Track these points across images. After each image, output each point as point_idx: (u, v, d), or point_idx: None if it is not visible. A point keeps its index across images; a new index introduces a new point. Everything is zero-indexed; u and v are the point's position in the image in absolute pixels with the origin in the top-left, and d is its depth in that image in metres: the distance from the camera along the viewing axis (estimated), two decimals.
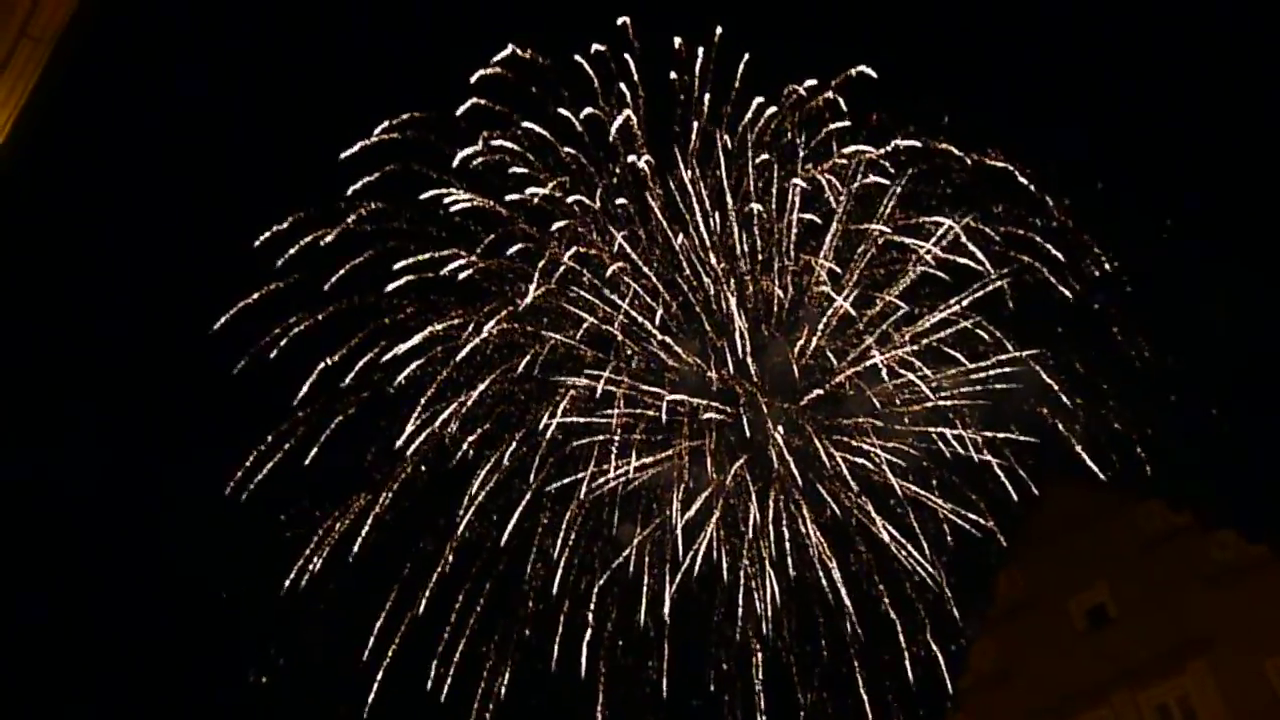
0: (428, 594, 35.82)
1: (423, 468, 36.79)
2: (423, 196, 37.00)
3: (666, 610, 36.97)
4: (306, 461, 35.86)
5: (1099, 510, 27.79)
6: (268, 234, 35.47)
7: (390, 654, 35.78)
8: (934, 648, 34.56)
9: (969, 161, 38.05)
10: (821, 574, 37.27)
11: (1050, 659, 26.41)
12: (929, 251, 38.14)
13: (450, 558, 36.20)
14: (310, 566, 35.59)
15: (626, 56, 38.51)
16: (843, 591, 36.65)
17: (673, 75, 39.32)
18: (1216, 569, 25.42)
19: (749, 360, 39.86)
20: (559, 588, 36.33)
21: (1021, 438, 36.32)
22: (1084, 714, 25.48)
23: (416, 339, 36.25)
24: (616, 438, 38.48)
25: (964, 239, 37.75)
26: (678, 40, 39.33)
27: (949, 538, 36.31)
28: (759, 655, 36.91)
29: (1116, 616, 26.30)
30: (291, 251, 35.80)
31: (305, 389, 35.88)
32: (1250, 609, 24.52)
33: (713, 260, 39.62)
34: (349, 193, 36.23)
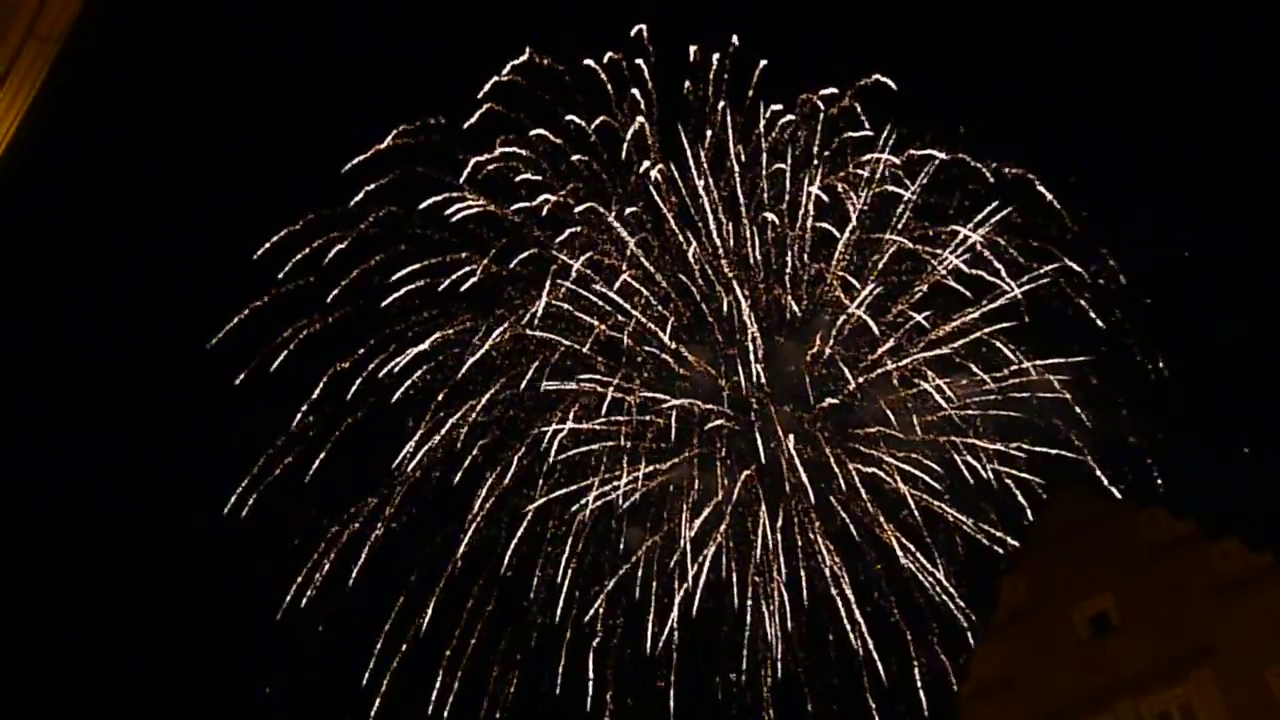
0: (433, 604, 35.86)
1: (435, 473, 36.96)
2: (435, 200, 37.39)
3: (674, 618, 37.00)
4: (309, 475, 36.02)
5: (1102, 518, 27.87)
6: (277, 238, 35.85)
7: (394, 667, 35.83)
8: (943, 657, 34.56)
9: (986, 172, 38.12)
10: (831, 584, 37.29)
11: (1053, 666, 26.42)
12: (945, 261, 38.20)
13: (458, 563, 36.33)
14: (316, 575, 35.71)
15: (641, 63, 38.74)
16: (853, 601, 36.66)
17: (687, 83, 39.51)
18: (1219, 578, 25.41)
19: (761, 369, 39.95)
20: (565, 598, 36.39)
21: (1035, 448, 36.35)
22: None
23: (425, 345, 36.52)
24: (625, 445, 38.63)
25: (980, 248, 37.81)
26: (693, 48, 39.54)
27: (960, 547, 36.31)
28: (768, 665, 36.91)
29: (1119, 624, 26.31)
30: (300, 255, 36.18)
31: (314, 395, 36.14)
32: (1253, 618, 24.51)
33: (726, 268, 39.75)
34: (360, 195, 36.61)
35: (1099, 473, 34.38)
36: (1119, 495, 29.30)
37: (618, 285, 38.11)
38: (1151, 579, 26.17)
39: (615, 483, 37.84)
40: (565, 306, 37.85)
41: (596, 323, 38.19)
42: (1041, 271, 37.18)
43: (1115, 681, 25.35)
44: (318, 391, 35.88)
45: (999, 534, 35.61)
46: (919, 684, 35.08)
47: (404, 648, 35.62)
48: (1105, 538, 27.38)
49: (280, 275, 35.98)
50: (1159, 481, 32.77)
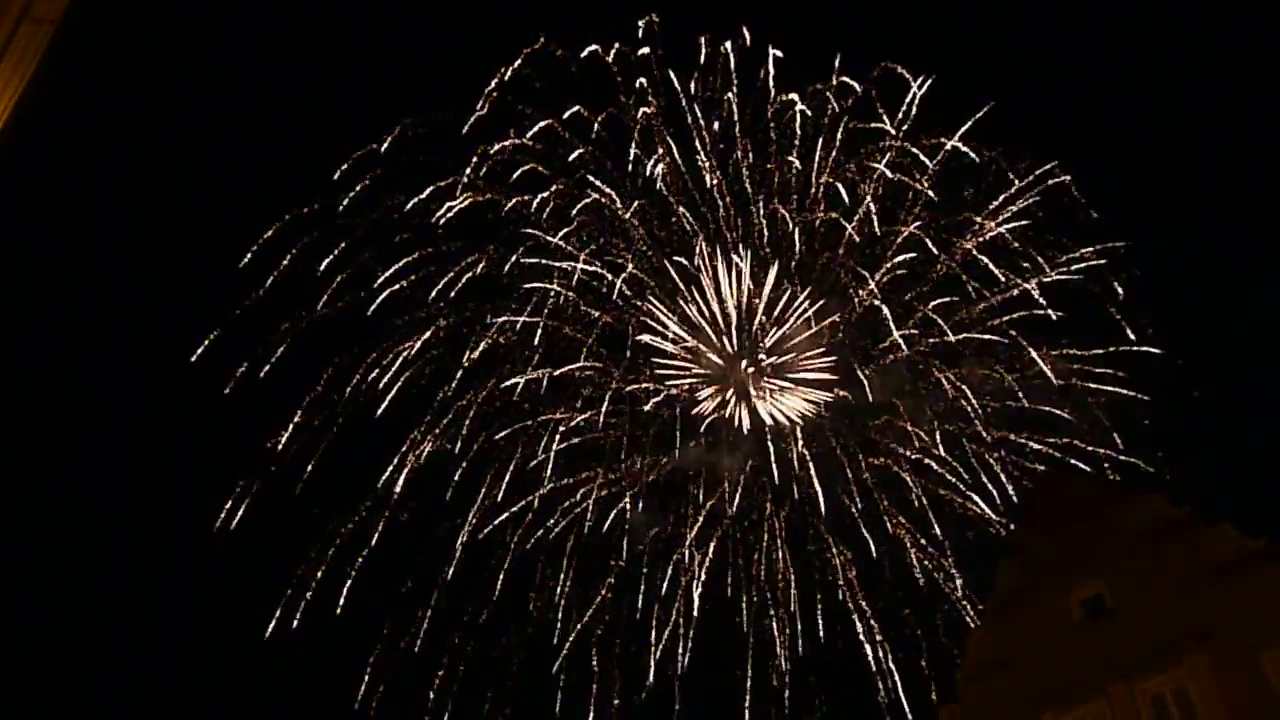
0: (434, 599, 36.23)
1: (438, 464, 37.32)
2: (439, 190, 37.74)
3: (679, 610, 37.29)
4: (306, 474, 36.39)
5: (1098, 502, 28.01)
6: (276, 228, 36.21)
7: (398, 658, 36.22)
8: (948, 644, 34.82)
9: (1002, 163, 38.30)
10: (840, 573, 37.53)
11: (1047, 650, 26.56)
12: (959, 250, 38.39)
13: (460, 557, 36.69)
14: (317, 573, 36.10)
15: (649, 54, 38.96)
16: (859, 590, 36.90)
17: (696, 74, 39.75)
18: (1215, 563, 25.51)
19: (769, 360, 40.18)
20: (568, 593, 36.72)
21: (1047, 438, 36.56)
22: (1081, 706, 25.61)
23: (427, 335, 36.89)
24: (632, 435, 38.93)
25: (993, 236, 38.02)
26: (703, 39, 39.78)
27: (970, 534, 36.59)
28: (775, 655, 37.19)
29: (1114, 608, 26.44)
30: (300, 245, 36.56)
31: (317, 389, 36.54)
32: (1248, 602, 24.60)
33: (735, 258, 39.98)
34: (366, 182, 36.99)
35: (1104, 461, 34.63)
36: (1115, 480, 29.55)
37: (624, 276, 38.43)
38: (1146, 563, 26.29)
39: (620, 474, 38.17)
40: (570, 297, 38.19)
41: (600, 314, 38.51)
42: (1056, 263, 37.39)
43: (1109, 665, 25.48)
44: (320, 386, 36.28)
45: (1006, 521, 35.90)
46: (925, 670, 35.41)
47: (404, 644, 36.04)
48: (1100, 522, 27.52)
49: (278, 270, 36.38)
50: (1167, 476, 33.03)
